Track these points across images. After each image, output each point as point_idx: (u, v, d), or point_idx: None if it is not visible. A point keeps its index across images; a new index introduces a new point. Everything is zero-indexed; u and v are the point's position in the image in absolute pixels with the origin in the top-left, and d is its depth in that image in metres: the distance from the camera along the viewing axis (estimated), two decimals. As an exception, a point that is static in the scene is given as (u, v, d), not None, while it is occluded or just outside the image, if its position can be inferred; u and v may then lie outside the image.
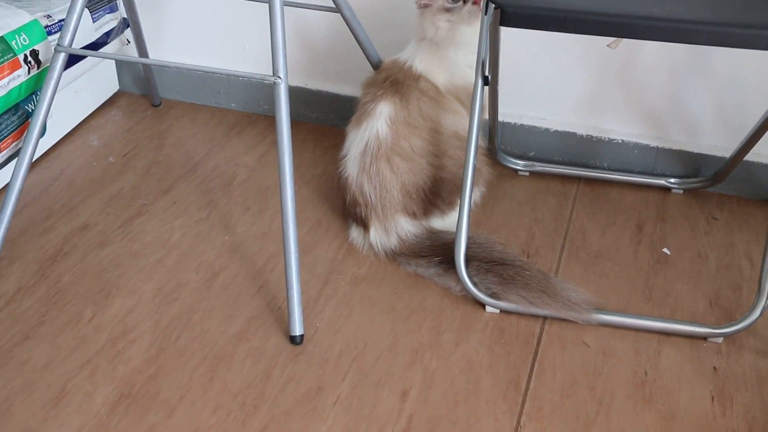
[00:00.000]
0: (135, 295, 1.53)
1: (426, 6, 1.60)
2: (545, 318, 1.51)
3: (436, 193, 1.63)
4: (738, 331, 1.46)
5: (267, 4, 1.43)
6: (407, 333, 1.48)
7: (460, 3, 1.57)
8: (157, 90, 2.13)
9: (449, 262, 1.57)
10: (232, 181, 1.86)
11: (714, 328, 1.47)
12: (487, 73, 1.49)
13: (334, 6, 1.69)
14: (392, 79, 1.64)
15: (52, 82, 1.53)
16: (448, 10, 1.57)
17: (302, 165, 1.92)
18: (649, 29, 1.18)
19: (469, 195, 1.50)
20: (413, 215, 1.63)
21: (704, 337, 1.48)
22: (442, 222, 1.67)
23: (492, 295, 1.51)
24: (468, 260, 1.51)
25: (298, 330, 1.43)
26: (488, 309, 1.52)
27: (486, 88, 1.49)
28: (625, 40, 1.79)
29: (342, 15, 1.70)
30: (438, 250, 1.61)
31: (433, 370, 1.40)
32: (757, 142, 1.68)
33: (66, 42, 1.52)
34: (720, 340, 1.48)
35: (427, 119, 1.62)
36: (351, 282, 1.58)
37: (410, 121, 1.61)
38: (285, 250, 1.42)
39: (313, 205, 1.79)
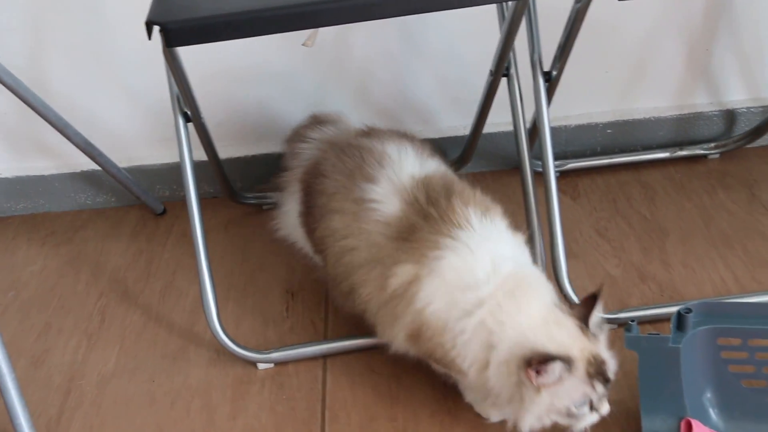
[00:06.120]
0: None
1: (543, 378, 1.03)
2: (326, 357, 1.35)
3: None
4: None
5: None
6: (175, 423, 1.26)
7: (586, 412, 1.06)
8: None
9: None
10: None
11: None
12: (185, 109, 1.32)
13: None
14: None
15: None
16: (569, 415, 1.06)
17: (16, 266, 1.64)
18: (335, 13, 1.03)
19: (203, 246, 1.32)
20: None
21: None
22: None
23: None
24: None
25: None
26: (260, 366, 1.33)
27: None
28: (326, 36, 1.64)
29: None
30: None
31: (213, 457, 1.21)
32: (487, 114, 1.58)
33: None
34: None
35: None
36: (98, 383, 1.34)
37: None
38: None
39: (38, 307, 1.53)
